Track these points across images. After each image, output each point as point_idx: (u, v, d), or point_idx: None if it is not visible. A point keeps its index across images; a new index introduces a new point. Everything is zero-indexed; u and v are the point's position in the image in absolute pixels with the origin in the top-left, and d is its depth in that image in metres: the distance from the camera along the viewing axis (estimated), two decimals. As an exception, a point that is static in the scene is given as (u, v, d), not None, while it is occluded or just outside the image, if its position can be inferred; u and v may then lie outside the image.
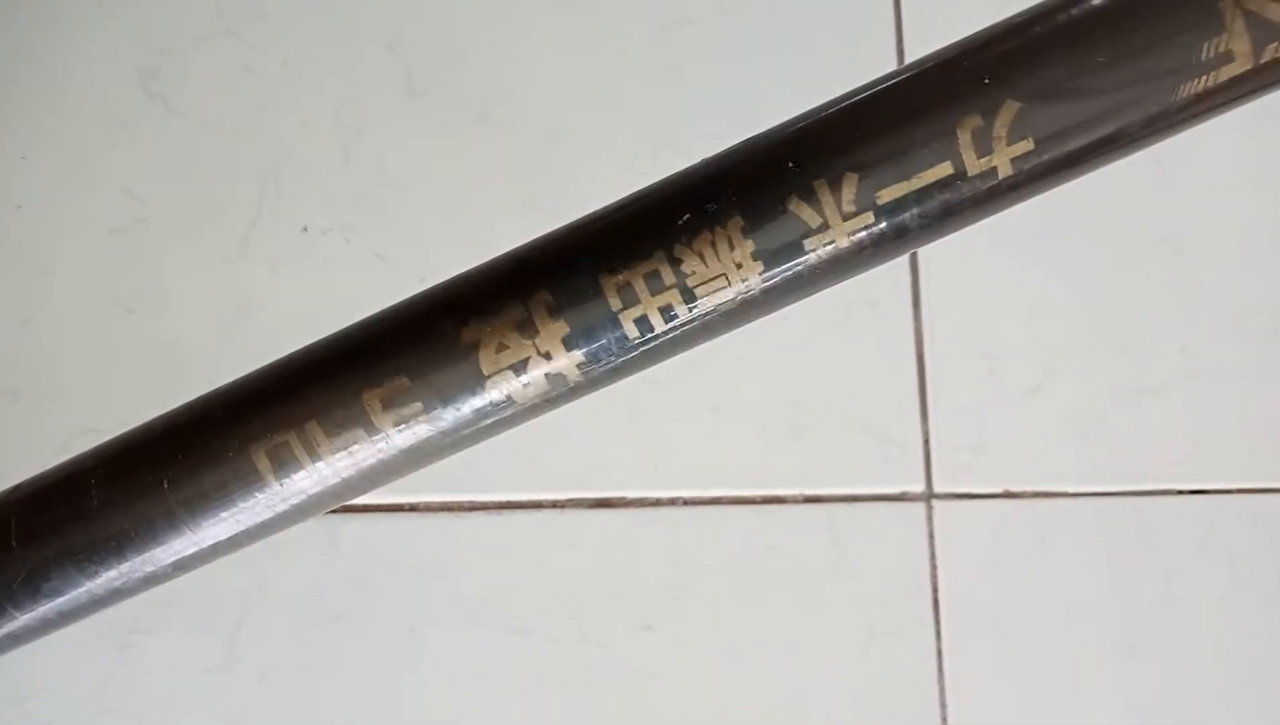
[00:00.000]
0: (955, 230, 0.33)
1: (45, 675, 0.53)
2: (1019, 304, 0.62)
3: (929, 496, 0.59)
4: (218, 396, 0.35)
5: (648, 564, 0.57)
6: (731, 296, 0.32)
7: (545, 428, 0.56)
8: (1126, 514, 0.61)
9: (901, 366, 0.60)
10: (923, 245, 0.34)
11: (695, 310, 0.32)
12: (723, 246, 0.31)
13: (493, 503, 0.56)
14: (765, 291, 0.32)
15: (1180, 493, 0.62)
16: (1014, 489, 0.60)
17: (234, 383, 0.35)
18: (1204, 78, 0.30)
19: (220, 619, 0.53)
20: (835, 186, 0.31)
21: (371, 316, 0.34)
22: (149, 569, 0.35)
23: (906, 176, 0.31)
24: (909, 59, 0.61)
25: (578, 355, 0.33)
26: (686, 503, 0.58)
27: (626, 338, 0.32)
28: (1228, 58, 0.30)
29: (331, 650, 0.54)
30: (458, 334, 0.32)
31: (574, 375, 0.33)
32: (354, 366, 0.33)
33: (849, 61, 0.63)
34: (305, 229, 0.57)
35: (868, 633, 0.58)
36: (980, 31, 0.32)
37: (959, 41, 0.33)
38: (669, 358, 0.34)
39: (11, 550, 0.34)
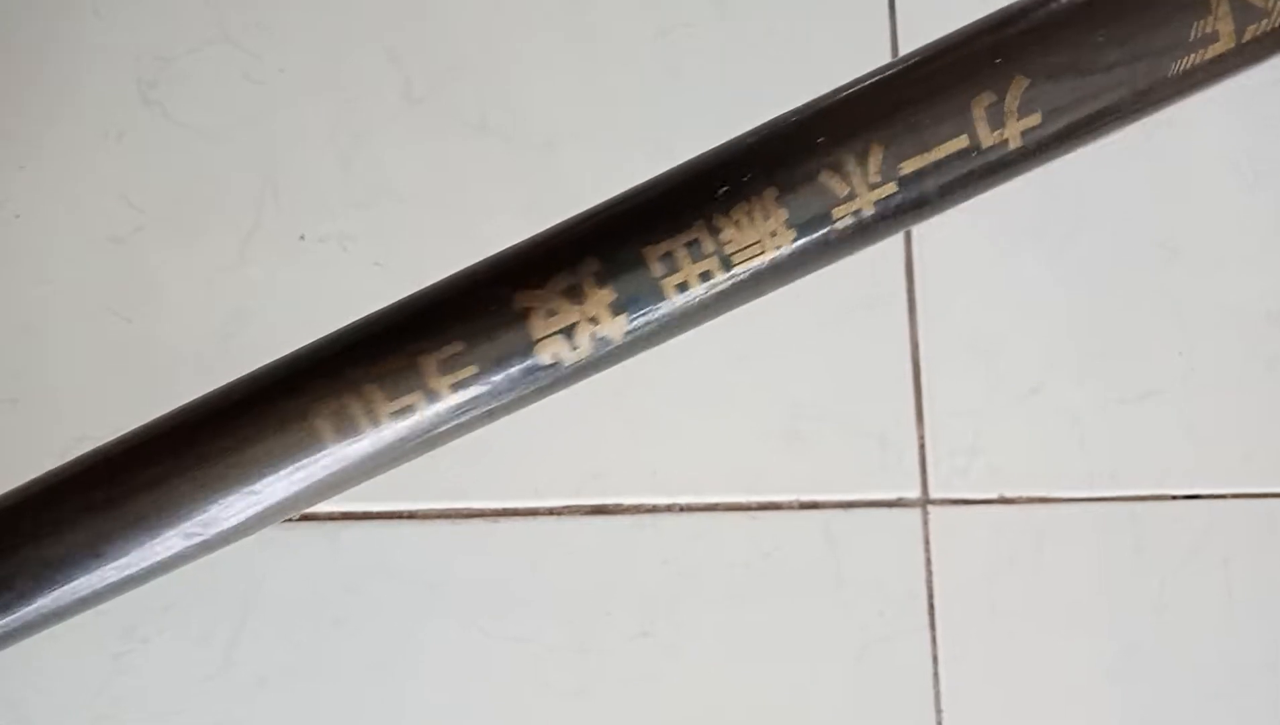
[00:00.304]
0: (969, 198, 0.36)
1: (40, 680, 0.53)
2: (1015, 308, 0.62)
3: (925, 502, 0.59)
4: (280, 364, 0.37)
5: (644, 571, 0.57)
6: (765, 262, 0.35)
7: (542, 434, 0.57)
8: (1122, 519, 0.61)
9: (897, 371, 0.60)
10: (939, 213, 0.37)
11: (732, 275, 0.35)
12: (758, 216, 0.34)
13: (490, 510, 0.56)
14: (795, 257, 0.35)
15: (1175, 498, 0.62)
16: (1010, 494, 0.60)
17: (296, 352, 0.37)
18: (1193, 56, 0.34)
19: (218, 625, 0.54)
20: (862, 159, 0.34)
21: (429, 287, 0.37)
22: (212, 532, 0.37)
23: (927, 148, 0.34)
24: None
25: (622, 320, 0.35)
26: (683, 509, 0.58)
27: (668, 302, 0.35)
28: (1213, 38, 0.34)
29: (329, 657, 0.54)
30: (510, 300, 0.34)
31: (618, 338, 0.35)
32: (411, 332, 0.35)
33: (846, 64, 0.63)
34: (303, 237, 0.57)
35: (863, 639, 0.58)
36: (988, 15, 0.36)
37: (969, 25, 0.36)
38: (707, 320, 0.37)
39: (82, 511, 0.36)
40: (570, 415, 0.57)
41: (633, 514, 0.57)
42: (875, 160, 0.34)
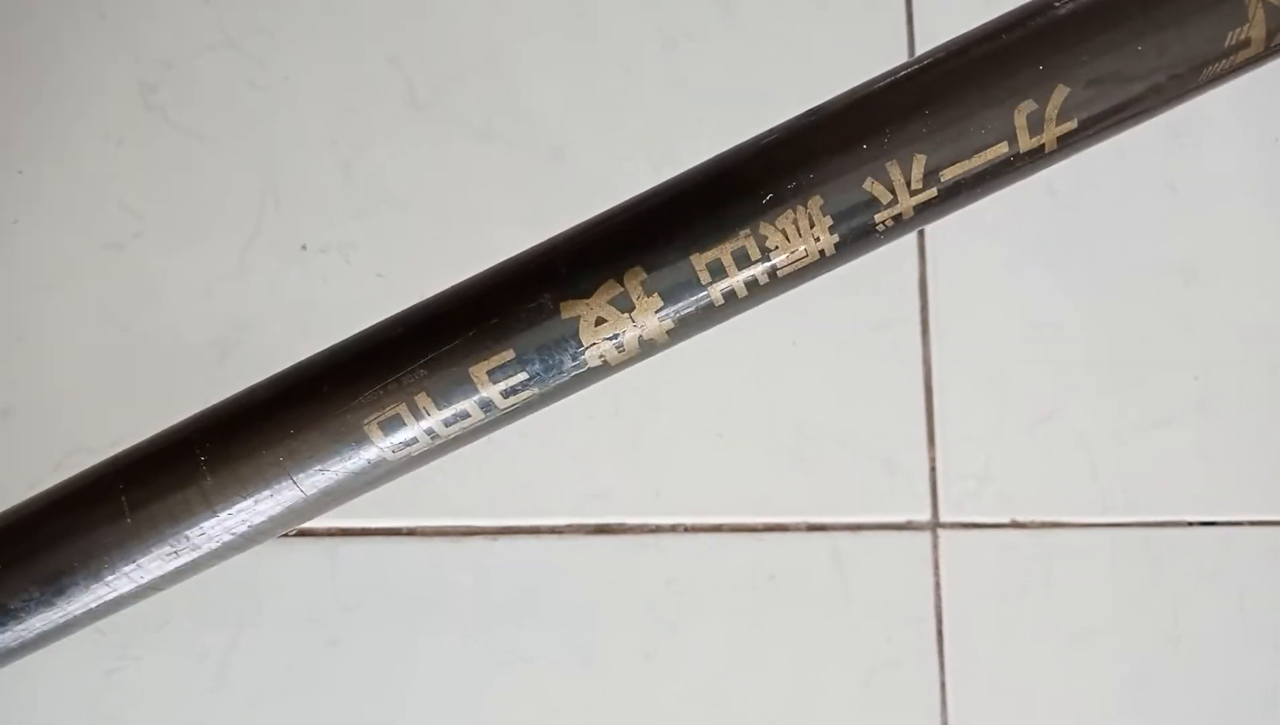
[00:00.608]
0: (998, 191, 0.37)
1: (33, 695, 0.52)
2: (1029, 330, 0.61)
3: (934, 525, 0.58)
4: (325, 368, 0.38)
5: (647, 592, 0.56)
6: (806, 263, 0.36)
7: (545, 452, 0.56)
8: (1135, 545, 0.60)
9: (909, 393, 0.59)
10: (968, 205, 0.38)
11: (775, 278, 0.36)
12: (804, 223, 0.35)
13: (491, 528, 0.55)
14: (834, 256, 0.37)
15: (1190, 524, 0.61)
16: (1021, 519, 0.59)
17: (339, 354, 0.38)
18: (1225, 61, 0.35)
19: (212, 643, 0.53)
20: (906, 168, 0.35)
21: (468, 287, 0.38)
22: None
23: (969, 156, 0.35)
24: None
25: (667, 322, 0.36)
26: (687, 530, 0.57)
27: (712, 304, 0.36)
28: (1245, 44, 0.35)
29: (324, 676, 0.53)
30: (557, 309, 0.35)
31: (662, 339, 0.37)
32: (460, 342, 0.36)
33: (858, 76, 0.62)
34: (304, 246, 0.56)
35: (870, 663, 0.57)
36: (1027, 13, 0.36)
37: (1006, 20, 0.36)
38: (744, 313, 0.38)
39: (124, 522, 0.37)
40: (573, 432, 0.56)
41: (636, 534, 0.56)
42: (919, 169, 0.35)
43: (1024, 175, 0.36)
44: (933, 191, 0.35)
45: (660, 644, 0.56)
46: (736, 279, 0.36)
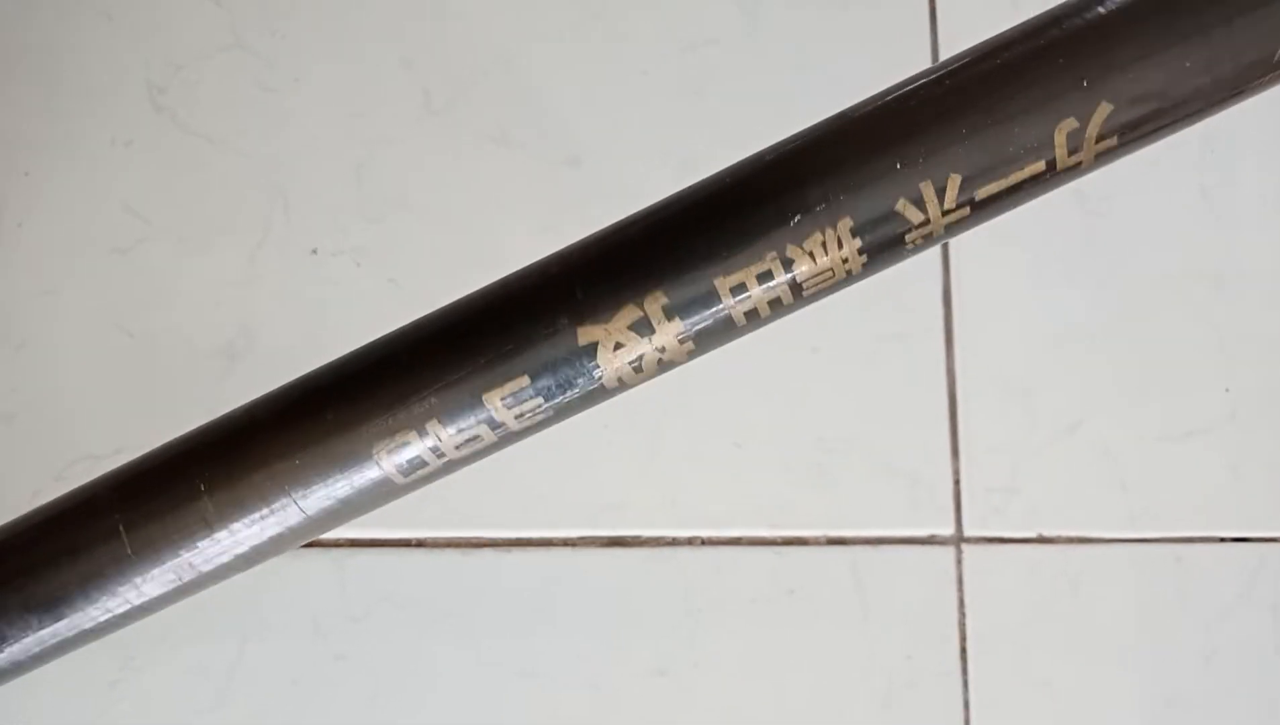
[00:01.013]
0: (1023, 205, 0.36)
1: (35, 707, 0.51)
2: (1055, 340, 0.59)
3: (958, 540, 0.57)
4: (330, 394, 0.36)
5: (662, 606, 0.55)
6: (833, 284, 0.35)
7: (558, 462, 0.55)
8: (1165, 562, 0.59)
9: (932, 404, 0.58)
10: (993, 220, 0.37)
11: (800, 298, 0.35)
12: (832, 246, 0.34)
13: (502, 539, 0.54)
14: (860, 275, 0.36)
15: (1222, 540, 0.59)
16: (1047, 533, 0.58)
17: (345, 377, 0.37)
18: (1271, 75, 0.34)
19: (216, 657, 0.52)
20: (940, 188, 0.34)
21: (479, 308, 0.36)
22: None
23: (1005, 176, 0.34)
24: None
25: (689, 345, 0.35)
26: (704, 543, 0.55)
27: (733, 322, 0.35)
28: None
29: (331, 690, 0.52)
30: (575, 335, 0.34)
31: (681, 358, 0.36)
32: (471, 365, 0.35)
33: (880, 80, 0.61)
34: (315, 251, 0.56)
35: (891, 683, 0.55)
36: (1069, 17, 0.35)
37: (1046, 26, 0.35)
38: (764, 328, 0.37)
39: (124, 553, 0.36)
40: (587, 442, 0.55)
41: (651, 546, 0.55)
42: (953, 190, 0.34)
43: (1054, 188, 0.35)
44: (966, 211, 0.34)
45: (675, 659, 0.54)
46: (760, 299, 0.35)
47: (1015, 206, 0.35)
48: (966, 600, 0.56)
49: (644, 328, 0.34)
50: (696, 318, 0.34)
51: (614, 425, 0.55)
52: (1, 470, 0.52)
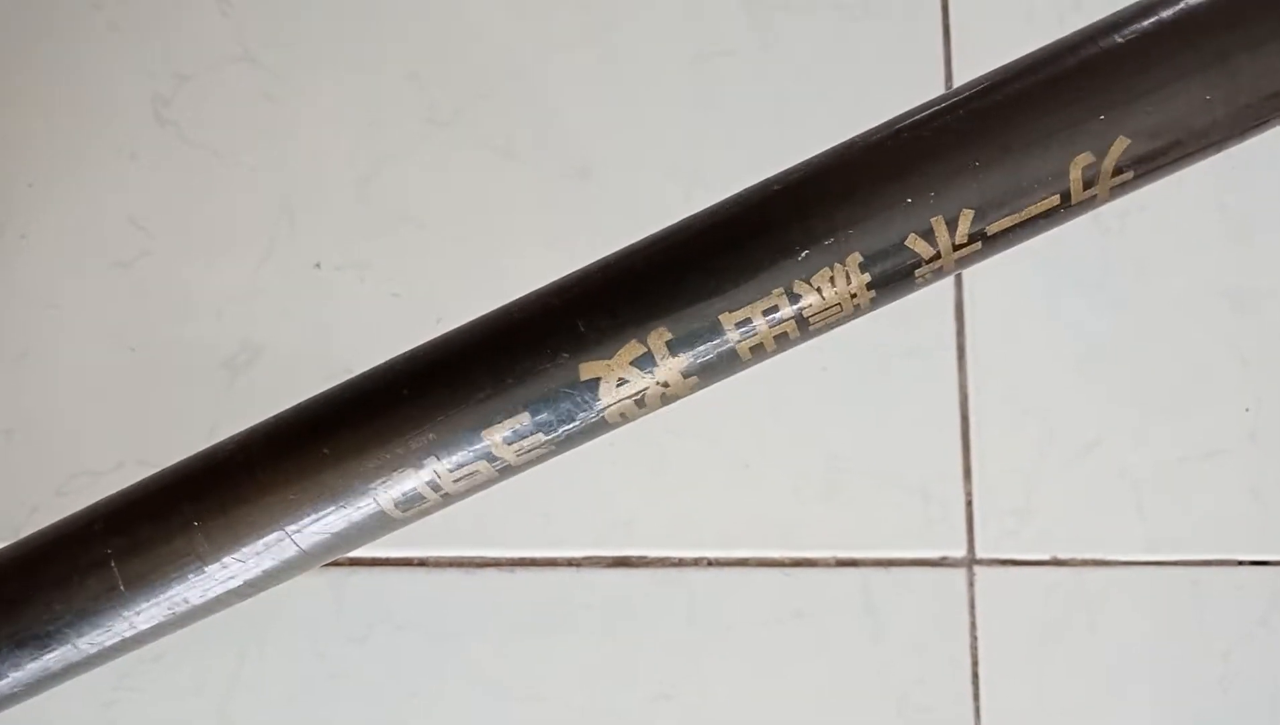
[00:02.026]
0: (1035, 237, 0.35)
1: (32, 726, 0.50)
2: (1071, 358, 0.58)
3: (971, 562, 0.56)
4: (325, 427, 0.35)
5: (667, 628, 0.54)
6: (839, 318, 0.35)
7: (563, 481, 0.54)
8: (1183, 586, 0.58)
9: (945, 423, 0.57)
10: (1004, 252, 0.36)
11: (805, 333, 0.35)
12: (840, 280, 0.33)
13: (506, 559, 0.53)
14: (867, 309, 0.35)
15: (1241, 563, 0.58)
16: (1062, 556, 0.57)
17: (341, 411, 0.36)
18: None
19: (213, 677, 0.51)
20: (952, 223, 0.33)
21: (478, 340, 0.35)
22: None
23: (1018, 210, 0.33)
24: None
25: (693, 381, 0.35)
26: (711, 563, 0.54)
27: (737, 356, 0.35)
28: None
29: (329, 712, 0.51)
30: (577, 371, 0.34)
31: (685, 392, 0.35)
32: (472, 402, 0.34)
33: (893, 99, 0.60)
34: (318, 265, 0.55)
35: (900, 708, 0.54)
36: (1087, 48, 0.34)
37: (1064, 56, 0.34)
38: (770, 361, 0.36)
39: (117, 589, 0.35)
40: (593, 460, 0.54)
41: (657, 567, 0.54)
42: (965, 224, 0.33)
43: (1067, 221, 0.35)
44: (978, 245, 0.33)
45: (681, 682, 0.53)
46: (766, 334, 0.34)
47: (1027, 240, 0.34)
48: (979, 623, 0.55)
49: (647, 362, 0.33)
50: (700, 352, 0.34)
51: (621, 443, 0.54)
52: (1, 485, 0.51)
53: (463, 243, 0.56)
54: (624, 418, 0.35)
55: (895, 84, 0.60)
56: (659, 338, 0.33)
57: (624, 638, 0.54)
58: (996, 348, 0.58)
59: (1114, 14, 0.34)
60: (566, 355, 0.33)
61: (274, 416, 0.36)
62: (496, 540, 0.53)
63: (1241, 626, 0.58)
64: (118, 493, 0.36)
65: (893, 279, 0.33)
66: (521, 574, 0.53)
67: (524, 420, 0.34)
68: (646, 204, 0.57)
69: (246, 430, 0.36)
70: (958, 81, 0.60)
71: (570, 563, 0.54)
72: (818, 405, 0.56)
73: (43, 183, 0.54)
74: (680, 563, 0.54)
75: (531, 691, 0.53)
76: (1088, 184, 0.32)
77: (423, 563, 0.53)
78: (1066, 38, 0.34)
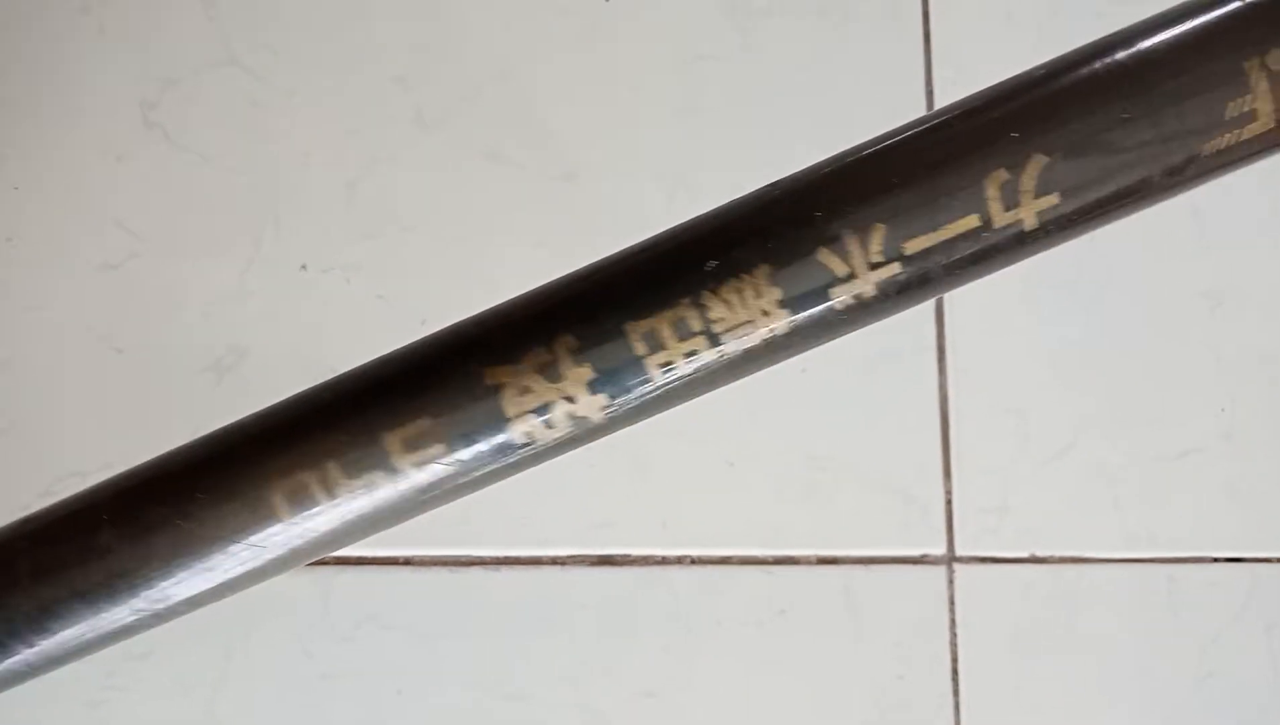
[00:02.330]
0: (980, 277, 0.34)
1: (16, 726, 0.50)
2: (1049, 359, 0.59)
3: (950, 559, 0.56)
4: (235, 432, 0.35)
5: (651, 626, 0.54)
6: (757, 341, 0.33)
7: (547, 480, 0.54)
8: (1159, 582, 0.58)
9: (925, 422, 0.57)
10: (946, 292, 0.35)
11: (720, 354, 0.33)
12: (749, 293, 0.32)
13: (490, 558, 0.54)
14: (790, 336, 0.33)
15: (1216, 560, 0.59)
16: (1040, 553, 0.57)
17: (252, 418, 0.35)
18: (1228, 135, 0.32)
19: (200, 676, 0.51)
20: (863, 237, 0.32)
21: (391, 354, 0.35)
22: (160, 606, 0.36)
23: (934, 228, 0.32)
24: (939, 104, 0.59)
25: (601, 398, 0.33)
26: (694, 562, 0.55)
27: (651, 381, 0.33)
28: (1251, 117, 0.31)
29: (317, 710, 0.52)
30: (480, 375, 0.33)
31: (597, 417, 0.34)
32: (375, 407, 0.33)
33: (876, 103, 0.61)
34: (304, 267, 0.55)
35: (881, 704, 0.55)
36: (1005, 82, 0.33)
37: (985, 91, 0.33)
38: (694, 398, 0.35)
39: (21, 586, 0.35)
40: (576, 460, 0.54)
41: (641, 565, 0.55)
42: (877, 239, 0.32)
43: (1010, 257, 0.33)
44: (896, 267, 0.32)
45: (664, 680, 0.54)
46: (677, 352, 0.33)
47: (967, 274, 0.33)
48: (958, 620, 0.56)
49: (553, 373, 0.33)
50: (609, 367, 0.33)
51: (604, 442, 0.55)
52: (-12, 487, 0.51)
53: (449, 245, 0.57)
54: (531, 441, 0.34)
55: (876, 89, 0.61)
56: (564, 345, 0.32)
57: (608, 636, 0.54)
58: (975, 349, 0.58)
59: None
60: (474, 362, 0.33)
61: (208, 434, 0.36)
62: (481, 539, 0.54)
63: (1217, 621, 0.58)
64: (36, 512, 0.37)
65: (807, 299, 0.32)
66: (506, 573, 0.54)
67: (425, 425, 0.33)
68: (631, 208, 0.58)
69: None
70: (938, 86, 0.61)
71: (554, 561, 0.54)
72: (799, 405, 0.57)
73: (29, 186, 0.54)
74: (664, 561, 0.55)
75: (517, 689, 0.53)
76: (1009, 205, 0.32)
77: (408, 562, 0.53)
78: (996, 83, 0.34)
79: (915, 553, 0.56)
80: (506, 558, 0.54)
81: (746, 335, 0.33)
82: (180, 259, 0.55)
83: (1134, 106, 0.31)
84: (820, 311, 0.33)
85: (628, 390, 0.33)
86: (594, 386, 0.33)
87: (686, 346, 0.33)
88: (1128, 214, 0.34)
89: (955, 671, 0.56)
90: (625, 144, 0.59)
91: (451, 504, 0.52)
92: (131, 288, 0.54)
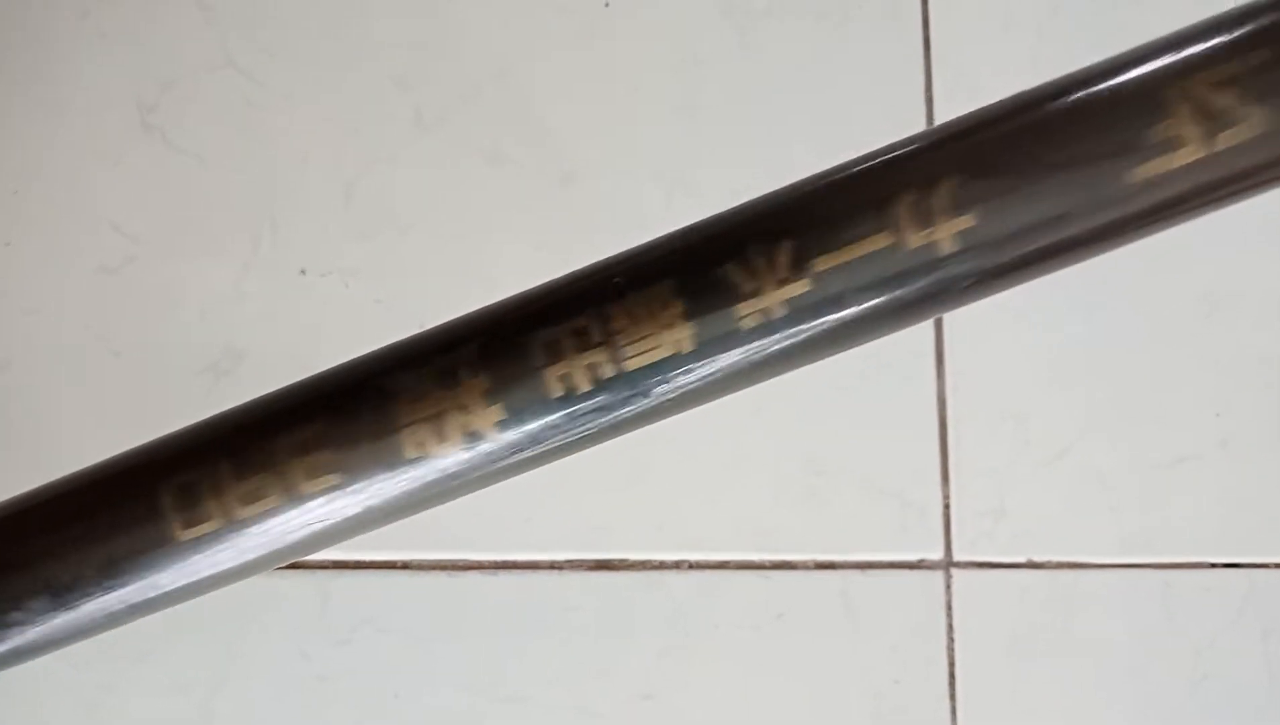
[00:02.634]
0: (909, 313, 0.32)
1: (14, 729, 0.51)
2: (1046, 364, 0.59)
3: (948, 564, 0.56)
4: (140, 453, 0.35)
5: (648, 630, 0.54)
6: (661, 359, 0.32)
7: (544, 484, 0.54)
8: (1155, 587, 0.58)
9: (922, 427, 0.57)
10: (876, 330, 0.32)
11: (622, 373, 0.32)
12: (655, 305, 0.31)
13: (488, 562, 0.54)
14: (693, 353, 0.32)
15: (1213, 566, 0.59)
16: (1038, 559, 0.57)
17: (153, 443, 0.35)
18: (1153, 162, 0.30)
19: (198, 677, 0.51)
20: (769, 252, 0.31)
21: (296, 383, 0.34)
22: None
23: (844, 245, 0.30)
24: (938, 105, 0.59)
25: (497, 407, 0.32)
26: (691, 566, 0.55)
27: (547, 398, 0.32)
28: (1176, 142, 0.30)
29: (314, 713, 0.52)
30: (380, 385, 0.32)
31: (488, 427, 0.32)
32: (277, 435, 0.32)
33: (875, 102, 0.61)
34: (303, 271, 0.55)
35: (878, 708, 0.55)
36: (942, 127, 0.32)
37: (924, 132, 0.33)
38: (598, 429, 0.34)
39: None
40: (573, 463, 0.54)
41: (638, 570, 0.55)
42: (785, 255, 0.31)
43: (934, 288, 0.31)
44: (805, 284, 0.30)
45: (661, 684, 0.54)
46: (578, 365, 0.31)
47: (888, 302, 0.31)
48: (955, 624, 0.56)
49: (450, 381, 0.31)
50: (508, 379, 0.31)
51: (601, 447, 0.55)
52: (-15, 489, 0.51)
53: (447, 248, 0.57)
54: (424, 454, 0.32)
55: (875, 89, 0.61)
56: (464, 356, 0.32)
57: (606, 639, 0.54)
58: (973, 353, 0.58)
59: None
60: (382, 380, 0.32)
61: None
62: (479, 543, 0.54)
63: (1213, 627, 0.58)
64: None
65: (712, 314, 0.31)
66: (504, 577, 0.54)
67: (318, 427, 0.32)
68: (630, 207, 0.58)
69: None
70: (937, 87, 0.61)
71: (552, 565, 0.54)
72: (797, 409, 0.57)
73: (27, 189, 0.54)
74: (661, 565, 0.55)
75: (514, 693, 0.53)
76: (921, 222, 0.30)
77: (405, 565, 0.53)
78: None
79: (913, 558, 0.56)
80: (504, 562, 0.54)
81: (651, 353, 0.31)
82: (178, 261, 0.55)
83: (1046, 127, 0.30)
84: (725, 327, 0.31)
85: (538, 424, 0.32)
86: (503, 425, 0.32)
87: (588, 359, 0.31)
88: (1073, 251, 0.32)
89: (952, 676, 0.56)
90: (624, 143, 0.59)
91: (448, 508, 0.52)
92: (129, 290, 0.54)
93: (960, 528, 0.57)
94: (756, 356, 0.32)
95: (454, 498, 0.34)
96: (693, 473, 0.56)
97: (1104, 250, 0.33)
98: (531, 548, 0.54)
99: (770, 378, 0.33)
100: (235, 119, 0.57)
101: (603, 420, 0.33)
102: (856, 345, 0.33)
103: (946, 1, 0.61)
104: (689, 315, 0.31)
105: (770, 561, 0.56)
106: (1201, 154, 0.30)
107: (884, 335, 0.33)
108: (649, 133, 0.59)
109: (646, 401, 0.33)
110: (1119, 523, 0.58)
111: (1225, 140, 0.30)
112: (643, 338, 0.31)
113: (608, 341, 0.31)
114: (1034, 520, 0.58)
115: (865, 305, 0.31)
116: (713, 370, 0.32)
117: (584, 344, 0.31)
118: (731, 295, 0.31)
